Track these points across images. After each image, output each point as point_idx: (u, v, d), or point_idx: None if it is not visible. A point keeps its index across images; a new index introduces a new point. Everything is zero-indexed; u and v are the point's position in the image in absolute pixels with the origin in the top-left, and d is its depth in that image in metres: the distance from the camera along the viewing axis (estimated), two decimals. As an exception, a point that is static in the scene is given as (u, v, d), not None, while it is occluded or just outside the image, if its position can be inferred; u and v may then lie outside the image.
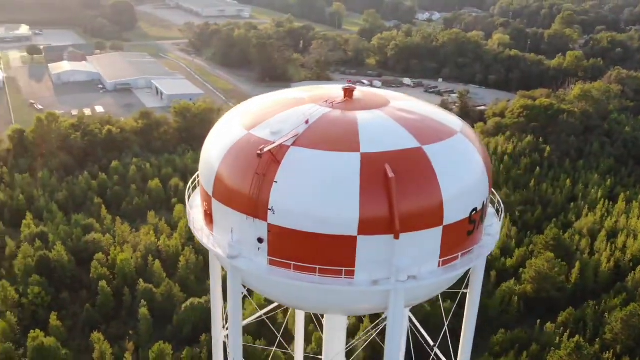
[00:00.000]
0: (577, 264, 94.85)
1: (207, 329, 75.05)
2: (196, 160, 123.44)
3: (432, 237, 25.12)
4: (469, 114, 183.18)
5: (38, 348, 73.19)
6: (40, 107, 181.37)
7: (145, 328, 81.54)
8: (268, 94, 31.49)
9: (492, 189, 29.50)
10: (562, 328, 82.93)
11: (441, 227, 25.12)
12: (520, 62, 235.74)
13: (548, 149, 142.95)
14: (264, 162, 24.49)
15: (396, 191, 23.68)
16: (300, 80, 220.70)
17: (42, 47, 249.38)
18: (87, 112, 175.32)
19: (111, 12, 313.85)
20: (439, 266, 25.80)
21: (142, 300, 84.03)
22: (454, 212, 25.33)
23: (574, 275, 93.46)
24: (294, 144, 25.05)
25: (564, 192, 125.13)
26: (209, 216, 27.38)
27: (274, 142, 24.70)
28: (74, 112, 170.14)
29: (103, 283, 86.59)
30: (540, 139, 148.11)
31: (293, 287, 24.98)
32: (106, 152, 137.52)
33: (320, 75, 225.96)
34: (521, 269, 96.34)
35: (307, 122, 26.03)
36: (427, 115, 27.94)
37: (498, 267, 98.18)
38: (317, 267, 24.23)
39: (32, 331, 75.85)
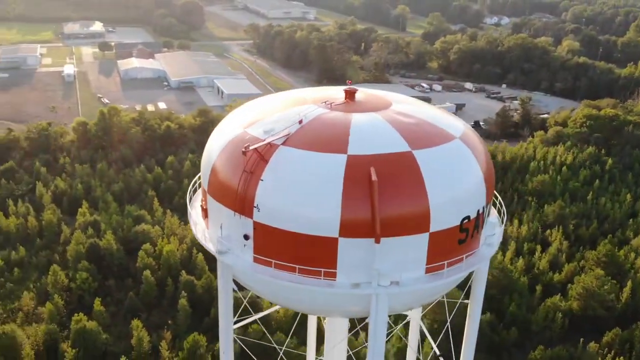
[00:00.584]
0: (629, 283, 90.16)
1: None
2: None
3: (418, 244, 24.65)
4: (530, 122, 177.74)
5: (80, 331, 76.62)
6: (107, 101, 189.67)
7: (183, 318, 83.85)
8: (276, 94, 31.77)
9: (501, 201, 28.74)
10: (606, 349, 79.12)
11: (427, 234, 24.61)
12: (589, 70, 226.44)
13: (610, 161, 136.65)
14: (252, 159, 24.80)
15: (378, 195, 23.42)
16: (358, 82, 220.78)
17: (113, 43, 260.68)
18: (151, 107, 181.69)
19: (181, 11, 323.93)
20: (425, 273, 25.31)
21: (183, 292, 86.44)
22: (442, 220, 24.76)
23: (624, 295, 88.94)
24: (284, 143, 25.22)
25: (624, 207, 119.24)
26: (204, 211, 27.99)
27: (263, 140, 24.97)
28: (138, 107, 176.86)
29: (147, 273, 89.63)
30: (602, 151, 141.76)
31: (275, 285, 25.15)
32: (163, 147, 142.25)
33: (378, 77, 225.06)
34: (569, 285, 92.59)
35: (300, 122, 26.14)
36: (427, 120, 27.42)
37: (545, 281, 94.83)
38: (297, 266, 24.29)
39: (76, 314, 79.49)
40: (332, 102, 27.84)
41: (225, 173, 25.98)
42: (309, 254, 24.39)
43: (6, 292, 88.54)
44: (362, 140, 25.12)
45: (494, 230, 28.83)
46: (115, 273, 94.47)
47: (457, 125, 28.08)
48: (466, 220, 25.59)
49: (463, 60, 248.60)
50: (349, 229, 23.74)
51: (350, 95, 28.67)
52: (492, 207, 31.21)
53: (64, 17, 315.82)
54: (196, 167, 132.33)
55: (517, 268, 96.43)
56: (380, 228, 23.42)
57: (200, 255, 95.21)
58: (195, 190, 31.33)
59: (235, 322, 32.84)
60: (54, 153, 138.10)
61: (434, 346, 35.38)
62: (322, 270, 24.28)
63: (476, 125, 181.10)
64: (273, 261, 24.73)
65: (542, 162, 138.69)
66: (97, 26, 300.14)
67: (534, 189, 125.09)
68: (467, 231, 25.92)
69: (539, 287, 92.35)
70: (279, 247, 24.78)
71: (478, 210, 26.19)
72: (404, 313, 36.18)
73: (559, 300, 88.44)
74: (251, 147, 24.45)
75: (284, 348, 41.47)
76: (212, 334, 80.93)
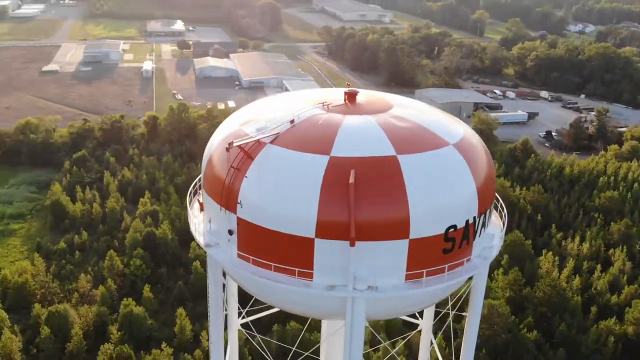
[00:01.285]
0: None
1: (282, 319, 77.75)
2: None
3: (397, 250, 24.22)
4: (605, 135, 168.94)
5: (127, 315, 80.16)
6: (180, 97, 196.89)
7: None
8: (284, 94, 32.17)
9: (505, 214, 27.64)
10: (660, 379, 74.15)
11: (407, 241, 24.16)
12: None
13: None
14: (239, 156, 25.29)
15: (357, 197, 23.26)
16: (427, 87, 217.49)
17: (191, 42, 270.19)
18: (221, 106, 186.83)
19: (259, 13, 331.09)
20: (405, 280, 24.85)
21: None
22: (424, 227, 24.21)
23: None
24: (272, 141, 25.55)
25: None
26: (201, 205, 28.77)
27: (250, 138, 25.42)
28: (209, 105, 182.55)
29: (197, 263, 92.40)
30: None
31: (256, 281, 25.50)
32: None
33: (448, 82, 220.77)
34: (627, 308, 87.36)
35: (292, 122, 26.39)
36: (423, 125, 26.86)
37: (601, 303, 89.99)
38: (273, 264, 24.53)
39: (125, 299, 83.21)
40: (330, 104, 27.87)
41: (216, 168, 26.62)
42: (287, 253, 24.55)
43: (66, 274, 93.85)
44: (348, 142, 25.00)
45: (492, 242, 27.87)
46: (168, 262, 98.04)
47: (456, 132, 27.32)
48: (452, 230, 24.90)
49: (540, 68, 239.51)
50: (325, 230, 23.70)
51: (350, 97, 28.59)
52: (499, 220, 30.31)
53: (148, 15, 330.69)
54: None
55: (572, 287, 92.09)
56: (356, 231, 23.23)
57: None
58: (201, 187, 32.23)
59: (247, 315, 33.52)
60: (124, 144, 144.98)
61: (440, 358, 34.56)
62: (297, 269, 24.37)
63: (548, 136, 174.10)
64: (251, 257, 25.08)
65: (612, 177, 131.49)
66: (179, 25, 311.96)
67: (601, 205, 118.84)
68: (454, 241, 25.21)
69: (594, 308, 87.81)
70: (259, 244, 25.11)
71: (467, 221, 25.40)
72: (416, 322, 35.69)
73: (613, 323, 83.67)
74: (235, 144, 24.93)
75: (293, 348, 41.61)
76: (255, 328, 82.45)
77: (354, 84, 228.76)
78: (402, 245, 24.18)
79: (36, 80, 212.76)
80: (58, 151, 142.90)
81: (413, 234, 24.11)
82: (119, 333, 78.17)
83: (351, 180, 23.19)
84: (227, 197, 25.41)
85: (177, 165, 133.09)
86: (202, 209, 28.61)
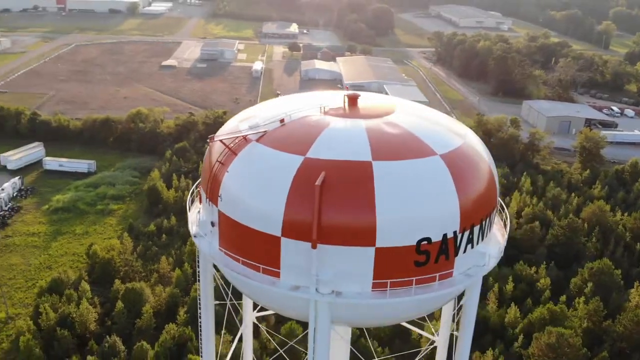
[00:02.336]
0: None
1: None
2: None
3: (363, 256, 23.77)
4: None
5: (196, 298, 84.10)
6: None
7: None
8: (296, 94, 32.60)
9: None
10: None
11: (373, 248, 23.68)
12: None
13: None
14: (224, 151, 26.14)
15: (324, 200, 23.19)
16: (538, 98, 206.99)
17: (301, 44, 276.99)
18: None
19: (371, 17, 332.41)
20: (371, 289, 24.34)
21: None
22: (392, 236, 23.60)
23: None
24: (258, 139, 26.11)
25: None
26: (199, 198, 29.96)
27: (235, 134, 26.16)
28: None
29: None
30: None
31: (229, 274, 26.17)
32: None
33: (561, 95, 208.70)
34: None
35: (282, 121, 26.79)
36: (414, 133, 26.09)
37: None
38: (241, 259, 25.06)
39: (197, 283, 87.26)
40: (329, 106, 27.94)
41: (207, 161, 27.68)
42: (257, 249, 24.99)
43: (150, 255, 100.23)
44: (327, 145, 24.95)
45: (483, 261, 26.52)
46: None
47: (450, 143, 26.26)
48: (425, 243, 24.04)
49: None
50: (290, 229, 23.85)
51: (351, 101, 28.48)
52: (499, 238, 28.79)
53: (266, 17, 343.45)
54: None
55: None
56: (318, 234, 23.19)
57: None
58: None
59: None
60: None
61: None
62: (263, 267, 24.74)
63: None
64: (227, 251, 25.82)
65: None
66: (293, 27, 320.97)
67: None
68: (428, 254, 24.33)
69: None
70: (234, 238, 25.78)
71: (445, 235, 24.41)
72: (433, 339, 34.67)
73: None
74: (216, 138, 25.77)
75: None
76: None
77: (459, 91, 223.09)
78: (368, 253, 23.74)
79: (155, 73, 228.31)
80: (163, 140, 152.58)
81: (380, 242, 23.60)
82: (185, 315, 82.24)
83: (318, 182, 23.17)
84: (211, 190, 26.35)
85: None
86: (200, 201, 29.81)
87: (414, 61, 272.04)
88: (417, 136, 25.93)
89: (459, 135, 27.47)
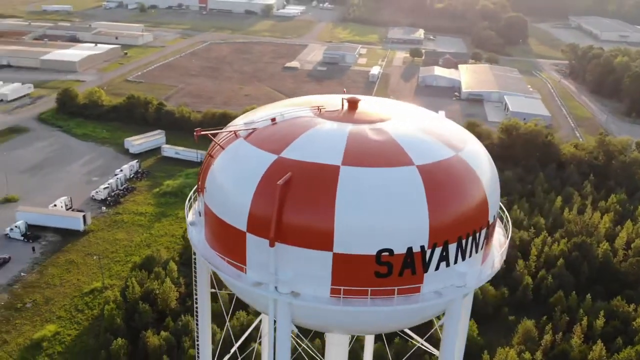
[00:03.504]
0: None
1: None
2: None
3: (321, 260, 23.42)
4: None
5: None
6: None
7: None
8: (305, 97, 32.79)
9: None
10: None
11: (331, 254, 23.29)
12: None
13: None
14: (215, 145, 27.08)
15: (286, 200, 23.29)
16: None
17: (424, 50, 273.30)
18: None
19: (503, 25, 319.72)
20: (330, 295, 23.96)
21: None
22: (350, 243, 23.05)
23: None
24: (247, 136, 26.75)
25: None
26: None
27: (224, 129, 26.98)
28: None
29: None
30: None
31: (209, 264, 27.03)
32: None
33: None
34: None
35: (273, 120, 27.22)
36: (397, 141, 25.15)
37: None
38: (216, 252, 25.86)
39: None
40: (322, 108, 27.92)
41: (206, 153, 28.74)
42: (228, 242, 25.61)
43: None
44: (303, 146, 24.94)
45: (462, 281, 25.06)
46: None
47: (435, 154, 25.06)
48: (386, 254, 23.23)
49: None
50: (254, 226, 24.15)
51: (350, 105, 28.22)
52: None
53: (393, 22, 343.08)
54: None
55: None
56: (278, 232, 23.31)
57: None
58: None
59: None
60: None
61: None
62: (230, 260, 25.31)
63: None
64: (207, 241, 26.78)
65: None
66: (419, 33, 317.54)
67: None
68: (390, 266, 23.47)
69: None
70: (213, 229, 26.64)
71: (410, 248, 23.40)
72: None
73: None
74: (202, 132, 26.72)
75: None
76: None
77: (588, 108, 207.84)
78: (326, 258, 23.42)
79: (277, 74, 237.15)
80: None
81: (337, 248, 23.20)
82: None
83: (280, 181, 23.31)
84: (201, 180, 27.44)
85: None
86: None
87: (543, 73, 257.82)
88: (400, 145, 25.09)
89: (453, 147, 26.09)
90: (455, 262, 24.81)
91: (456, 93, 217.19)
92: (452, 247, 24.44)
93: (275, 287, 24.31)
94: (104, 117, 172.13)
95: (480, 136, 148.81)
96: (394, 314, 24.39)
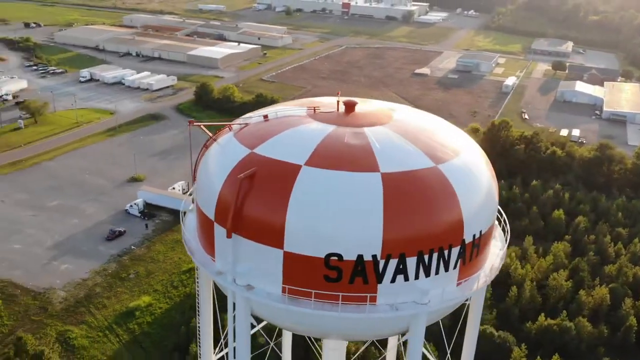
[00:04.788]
0: None
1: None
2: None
3: (273, 257, 23.50)
4: None
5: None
6: (526, 117, 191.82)
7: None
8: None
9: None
10: None
11: (281, 251, 23.30)
12: None
13: None
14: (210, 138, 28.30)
15: (246, 194, 23.77)
16: None
17: (568, 64, 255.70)
18: (564, 132, 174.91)
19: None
20: (282, 293, 23.95)
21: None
22: (300, 244, 22.92)
23: None
24: (238, 130, 27.60)
25: None
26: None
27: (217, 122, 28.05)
28: (552, 129, 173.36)
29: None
30: None
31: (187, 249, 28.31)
32: (540, 171, 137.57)
33: None
34: None
35: (265, 117, 27.83)
36: (372, 147, 24.41)
37: None
38: (199, 241, 26.97)
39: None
40: (316, 108, 27.99)
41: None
42: (204, 231, 26.63)
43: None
44: (278, 144, 25.24)
45: (424, 299, 23.83)
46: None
47: (409, 163, 24.05)
48: (335, 258, 22.78)
49: None
50: (219, 216, 24.86)
51: (347, 107, 27.99)
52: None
53: (539, 33, 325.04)
54: (557, 200, 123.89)
55: None
56: (235, 225, 23.88)
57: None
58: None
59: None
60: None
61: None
62: (201, 247, 26.26)
63: None
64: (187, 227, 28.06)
65: None
66: (566, 46, 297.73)
67: None
68: (340, 271, 22.97)
69: None
70: (197, 217, 27.83)
71: (361, 256, 22.72)
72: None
73: None
74: (195, 123, 27.92)
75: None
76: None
77: None
78: (278, 255, 23.52)
79: (405, 80, 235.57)
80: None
81: (288, 247, 23.22)
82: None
83: (241, 175, 23.87)
84: (194, 169, 28.78)
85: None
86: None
87: None
88: (373, 150, 24.43)
89: (435, 158, 24.80)
90: (417, 277, 23.69)
91: (597, 111, 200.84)
92: (411, 261, 23.36)
93: (234, 279, 24.90)
94: (234, 112, 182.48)
95: (611, 160, 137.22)
96: (342, 321, 23.82)
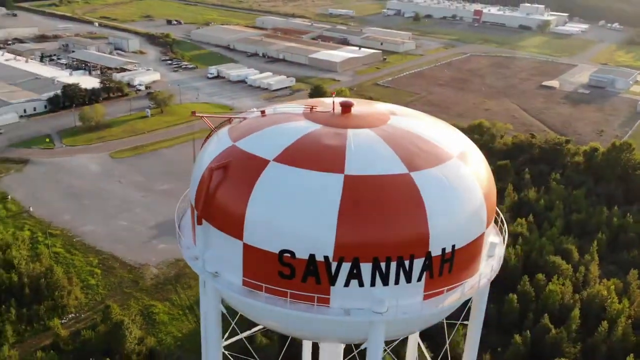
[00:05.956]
0: None
1: None
2: None
3: (234, 248, 23.96)
4: None
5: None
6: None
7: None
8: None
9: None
10: None
11: (241, 243, 23.69)
12: None
13: None
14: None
15: (214, 182, 24.57)
16: None
17: None
18: None
19: None
20: (242, 285, 24.36)
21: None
22: (255, 237, 23.27)
23: None
24: (235, 124, 28.50)
25: None
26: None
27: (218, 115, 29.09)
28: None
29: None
30: None
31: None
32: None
33: None
34: None
35: (262, 112, 28.47)
36: (347, 149, 24.02)
37: None
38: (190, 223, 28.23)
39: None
40: (313, 107, 28.10)
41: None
42: (191, 215, 27.74)
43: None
44: (257, 138, 25.76)
45: (381, 308, 23.09)
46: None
47: (380, 168, 23.39)
48: (287, 255, 22.78)
49: None
50: (196, 203, 25.75)
51: (343, 108, 27.82)
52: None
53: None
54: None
55: None
56: (205, 212, 24.79)
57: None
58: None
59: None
60: (555, 166, 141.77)
61: None
62: (184, 231, 27.41)
63: None
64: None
65: None
66: None
67: None
68: (292, 269, 22.93)
69: None
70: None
71: (313, 256, 22.51)
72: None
73: None
74: (197, 114, 29.09)
75: None
76: None
77: None
78: (238, 246, 23.98)
79: (529, 92, 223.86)
80: (491, 156, 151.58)
81: (246, 239, 23.62)
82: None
83: (212, 164, 24.75)
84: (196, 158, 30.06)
85: (586, 202, 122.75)
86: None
87: None
88: (345, 152, 24.05)
89: (411, 165, 23.77)
90: (373, 284, 23.03)
91: None
92: (366, 267, 22.75)
93: (204, 265, 25.80)
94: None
95: None
96: (293, 319, 23.76)
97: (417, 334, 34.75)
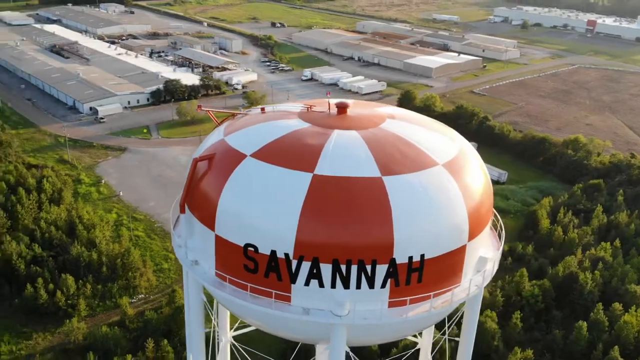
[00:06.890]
0: None
1: None
2: None
3: (208, 238, 24.55)
4: None
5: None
6: None
7: None
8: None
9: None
10: None
11: (213, 234, 24.27)
12: None
13: None
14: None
15: (201, 175, 25.38)
16: None
17: None
18: None
19: None
20: (215, 275, 24.94)
21: None
22: (226, 229, 23.75)
23: None
24: (233, 120, 29.25)
25: None
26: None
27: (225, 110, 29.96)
28: None
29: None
30: None
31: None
32: None
33: None
34: None
35: (262, 109, 29.01)
36: (324, 149, 23.90)
37: None
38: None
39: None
40: (310, 107, 28.24)
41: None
42: (184, 203, 28.85)
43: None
44: (243, 134, 26.31)
45: (341, 310, 22.81)
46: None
47: (351, 170, 23.08)
48: (251, 249, 23.07)
49: None
50: (185, 195, 26.73)
51: (339, 109, 27.75)
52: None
53: None
54: None
55: None
56: (185, 200, 25.70)
57: None
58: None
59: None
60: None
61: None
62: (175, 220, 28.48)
63: None
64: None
65: None
66: None
67: None
68: (256, 263, 23.19)
69: None
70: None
71: (274, 252, 22.65)
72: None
73: None
74: (203, 108, 30.03)
75: None
76: None
77: None
78: (211, 237, 24.59)
79: (638, 108, 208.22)
80: (586, 173, 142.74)
81: (218, 230, 24.19)
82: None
83: (195, 155, 25.62)
84: (204, 148, 31.08)
85: None
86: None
87: None
88: (321, 151, 23.94)
89: (386, 169, 23.19)
90: (333, 286, 22.79)
91: None
92: (326, 268, 22.53)
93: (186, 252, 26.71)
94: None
95: None
96: (255, 314, 24.03)
97: (429, 352, 33.87)
